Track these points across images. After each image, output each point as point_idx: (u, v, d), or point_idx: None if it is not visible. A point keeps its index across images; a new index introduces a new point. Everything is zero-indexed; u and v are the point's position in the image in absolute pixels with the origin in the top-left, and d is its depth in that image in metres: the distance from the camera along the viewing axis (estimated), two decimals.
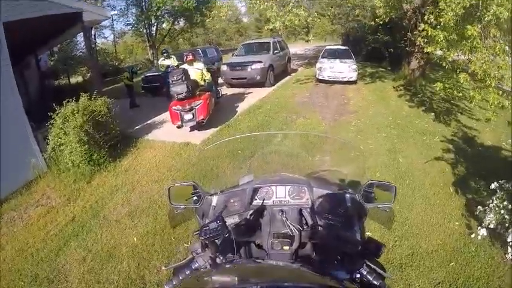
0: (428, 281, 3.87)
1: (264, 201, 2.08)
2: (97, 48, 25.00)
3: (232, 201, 2.05)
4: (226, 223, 1.67)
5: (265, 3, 14.05)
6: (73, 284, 4.08)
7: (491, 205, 4.20)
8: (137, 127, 9.69)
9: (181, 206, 2.00)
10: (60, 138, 6.89)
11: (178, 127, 8.64)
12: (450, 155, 7.15)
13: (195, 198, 2.03)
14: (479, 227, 4.21)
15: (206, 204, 2.05)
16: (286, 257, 1.67)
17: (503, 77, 6.96)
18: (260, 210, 1.99)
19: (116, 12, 25.47)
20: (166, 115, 9.51)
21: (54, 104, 6.88)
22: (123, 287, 3.93)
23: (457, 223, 4.90)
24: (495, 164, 6.36)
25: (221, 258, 1.53)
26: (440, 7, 7.59)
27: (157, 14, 25.50)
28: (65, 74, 22.98)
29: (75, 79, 23.77)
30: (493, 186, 4.31)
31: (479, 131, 8.67)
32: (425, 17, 8.81)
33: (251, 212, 1.99)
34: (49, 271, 4.32)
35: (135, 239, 4.81)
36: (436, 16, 8.14)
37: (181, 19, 28.42)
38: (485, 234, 4.11)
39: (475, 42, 6.89)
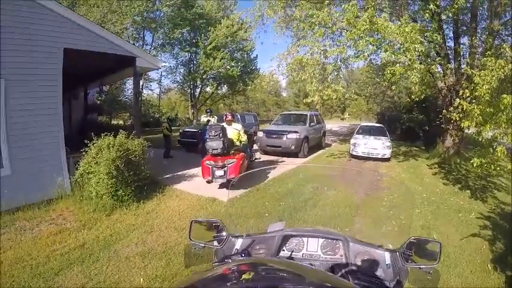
0: None
1: (293, 253, 1.93)
2: (142, 98, 26.23)
3: (257, 247, 1.90)
4: None
5: (307, 74, 14.52)
6: None
7: None
8: (167, 176, 9.79)
9: (201, 245, 1.84)
10: (91, 166, 7.09)
11: (208, 182, 8.64)
12: (487, 231, 6.78)
13: (217, 238, 1.89)
14: None
15: (229, 246, 1.89)
16: None
17: None
18: None
19: (166, 63, 26.96)
20: (197, 170, 9.58)
21: (92, 135, 7.18)
22: None
23: None
24: None
25: None
26: (475, 81, 7.62)
27: (203, 77, 26.85)
28: (107, 115, 24.05)
29: (116, 121, 24.80)
30: None
31: None
32: (460, 92, 8.77)
33: None
34: (43, 287, 4.22)
35: (142, 280, 4.61)
36: (471, 91, 8.15)
37: (225, 85, 29.70)
38: None
39: (511, 114, 6.74)
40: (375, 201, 8.70)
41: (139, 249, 5.50)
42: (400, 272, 1.73)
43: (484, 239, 6.39)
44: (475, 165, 7.54)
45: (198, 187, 8.79)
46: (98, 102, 20.80)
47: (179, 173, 10.19)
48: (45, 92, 7.10)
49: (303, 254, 1.94)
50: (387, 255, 1.82)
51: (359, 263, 1.80)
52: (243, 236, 1.97)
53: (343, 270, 1.74)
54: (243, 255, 1.47)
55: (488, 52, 8.50)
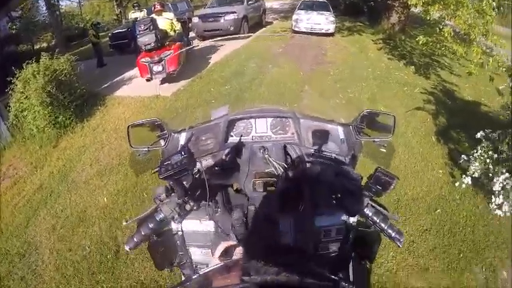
0: (415, 228, 3.92)
1: (242, 138, 1.82)
2: (61, 11, 23.88)
3: (204, 138, 1.76)
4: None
5: None
6: (44, 255, 3.94)
7: (475, 154, 4.24)
8: (105, 85, 9.26)
9: (145, 149, 1.70)
10: (22, 103, 6.67)
11: (148, 80, 8.27)
12: (431, 106, 7.12)
13: (161, 138, 1.74)
14: (463, 176, 4.26)
15: (173, 143, 1.72)
16: (271, 200, 1.46)
17: (487, 31, 6.89)
18: (237, 149, 1.72)
19: None
20: (135, 71, 9.09)
21: (14, 69, 6.57)
22: (95, 252, 3.79)
23: (440, 171, 4.95)
24: (475, 117, 6.38)
25: (191, 204, 1.30)
26: None
27: None
28: (28, 42, 21.93)
29: (40, 46, 22.79)
30: (478, 135, 4.31)
31: (459, 86, 8.66)
32: None
33: (227, 151, 1.71)
34: (19, 245, 4.17)
35: (106, 199, 4.69)
36: None
37: None
38: (469, 182, 4.18)
39: None
40: (320, 76, 8.92)
41: (95, 169, 5.53)
42: (355, 146, 1.70)
43: (428, 113, 6.75)
44: (420, 43, 7.68)
45: (139, 88, 8.43)
46: (13, 31, 18.63)
47: (117, 79, 9.65)
48: None
49: (252, 136, 1.85)
50: (340, 129, 1.75)
51: (312, 140, 1.72)
52: (185, 129, 1.81)
53: (295, 148, 1.69)
54: (183, 153, 1.27)
55: None
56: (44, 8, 25.21)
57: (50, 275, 3.66)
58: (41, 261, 3.86)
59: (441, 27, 7.26)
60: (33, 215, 4.66)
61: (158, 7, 8.82)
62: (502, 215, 3.86)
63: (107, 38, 14.66)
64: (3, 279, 3.72)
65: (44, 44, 22.40)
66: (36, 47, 21.90)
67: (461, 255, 3.63)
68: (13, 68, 6.59)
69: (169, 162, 1.25)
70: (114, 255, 3.72)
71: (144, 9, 12.75)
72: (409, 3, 8.52)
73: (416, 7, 8.81)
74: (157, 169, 1.30)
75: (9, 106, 6.75)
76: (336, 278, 1.17)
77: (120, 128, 6.60)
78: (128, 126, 1.71)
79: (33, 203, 4.92)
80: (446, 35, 7.01)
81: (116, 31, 14.59)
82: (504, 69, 5.57)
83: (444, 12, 7.27)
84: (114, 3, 27.69)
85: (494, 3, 6.94)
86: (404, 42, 12.88)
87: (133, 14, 12.42)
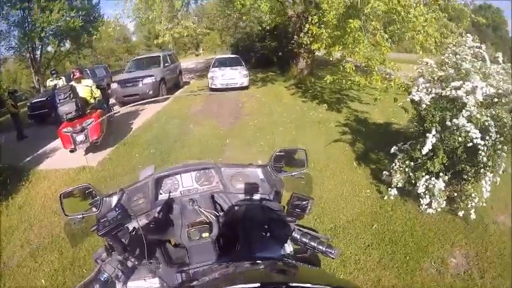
0: (357, 246, 4.13)
1: (171, 194, 1.91)
2: None
3: (135, 199, 1.82)
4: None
5: (154, 13, 14.04)
6: None
7: (395, 167, 4.74)
8: (28, 159, 8.84)
9: (79, 216, 1.70)
10: None
11: (72, 151, 8.02)
12: (347, 136, 7.76)
13: (94, 204, 1.75)
14: (389, 189, 4.73)
15: (106, 207, 1.74)
16: (208, 246, 1.53)
17: (384, 60, 7.84)
18: (168, 205, 1.81)
19: None
20: (57, 142, 8.82)
21: None
22: None
23: (368, 191, 5.37)
24: (389, 136, 7.05)
25: (133, 260, 1.35)
26: (323, 8, 8.19)
27: (41, 35, 23.84)
28: None
29: None
30: (392, 150, 4.87)
31: (369, 113, 9.56)
32: (310, 19, 9.39)
33: (158, 208, 1.79)
34: None
35: (43, 281, 4.40)
36: (320, 17, 8.78)
37: (68, 40, 26.96)
38: (396, 193, 4.65)
39: (356, 35, 7.55)
40: (240, 128, 9.22)
41: (27, 250, 5.14)
42: (276, 184, 1.84)
43: (345, 143, 7.36)
44: (328, 81, 8.46)
45: (63, 160, 8.12)
46: None
47: (40, 152, 9.27)
48: None
49: (181, 191, 1.94)
50: (259, 170, 1.90)
51: (236, 185, 1.86)
52: (116, 192, 1.87)
53: (222, 196, 1.82)
54: (117, 209, 1.36)
55: None
56: None
57: None
58: None
59: (343, 64, 8.06)
60: None
61: (77, 74, 8.68)
62: (433, 212, 4.34)
63: (26, 108, 13.96)
64: None
65: None
66: None
67: (407, 257, 3.91)
68: None
69: (105, 219, 1.30)
70: None
71: (62, 77, 12.22)
72: (313, 48, 9.36)
73: (319, 50, 9.71)
74: (94, 227, 1.33)
75: None
76: None
77: (47, 204, 6.29)
78: (60, 195, 1.71)
79: None
80: (349, 70, 7.85)
81: (35, 100, 13.94)
82: (403, 88, 6.34)
83: (344, 51, 8.07)
84: (31, 70, 26.84)
85: (386, 35, 7.96)
86: (314, 84, 13.93)
87: (51, 82, 12.06)
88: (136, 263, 1.35)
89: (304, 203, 1.44)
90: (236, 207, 1.74)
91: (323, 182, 5.77)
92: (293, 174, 1.83)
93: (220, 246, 1.61)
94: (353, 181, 5.76)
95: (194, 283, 1.16)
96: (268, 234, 1.51)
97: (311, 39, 9.43)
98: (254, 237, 1.56)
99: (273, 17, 14.29)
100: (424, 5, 7.92)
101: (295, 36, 13.02)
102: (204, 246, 1.53)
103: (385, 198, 4.94)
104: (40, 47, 25.92)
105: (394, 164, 4.85)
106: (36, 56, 25.99)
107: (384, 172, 5.16)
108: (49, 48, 27.00)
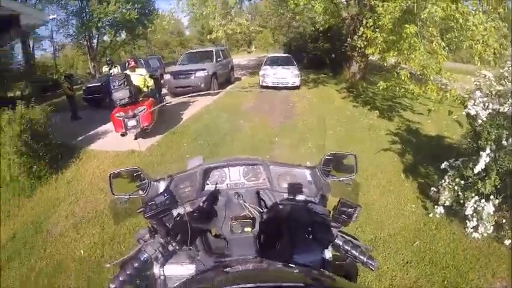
0: (396, 262, 3.97)
1: (217, 186, 1.93)
2: (36, 60, 23.84)
3: (182, 186, 1.85)
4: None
5: (208, 9, 14.07)
6: None
7: (444, 184, 4.49)
8: (80, 138, 9.21)
9: (126, 197, 1.74)
10: None
11: (122, 135, 8.30)
12: (397, 146, 7.46)
13: (141, 187, 1.79)
14: (436, 206, 4.48)
15: (153, 191, 1.78)
16: (249, 241, 1.52)
17: (440, 69, 7.47)
18: (214, 196, 1.82)
19: (55, 16, 24.44)
20: (110, 125, 9.08)
21: None
22: None
23: (413, 206, 5.13)
24: (440, 150, 6.69)
25: (174, 245, 1.36)
26: (378, 11, 7.98)
27: (98, 25, 24.79)
28: (1, 89, 21.68)
29: (13, 93, 22.49)
30: (443, 166, 4.60)
31: (421, 123, 9.16)
32: (364, 22, 9.19)
33: (204, 198, 1.81)
34: None
35: (82, 251, 4.56)
36: (375, 20, 8.55)
37: (123, 31, 27.85)
38: (442, 211, 4.40)
39: (412, 41, 7.30)
40: (290, 127, 9.13)
41: (70, 221, 5.36)
42: (323, 187, 1.80)
43: (394, 152, 7.09)
44: (381, 88, 8.18)
45: (113, 142, 8.43)
46: None
47: (92, 133, 9.62)
48: None
49: (227, 184, 1.95)
50: (307, 172, 1.86)
51: (282, 184, 1.84)
52: (164, 178, 1.90)
53: (267, 193, 1.82)
54: (165, 194, 1.39)
55: None
56: (19, 56, 25.27)
57: None
58: None
59: (398, 71, 7.76)
60: (6, 266, 4.48)
61: (132, 63, 9.06)
62: (479, 237, 4.05)
63: (81, 91, 14.59)
64: None
65: (18, 93, 22.19)
66: (10, 94, 21.66)
67: (445, 281, 3.71)
68: None
69: (153, 202, 1.33)
70: None
71: (117, 65, 12.83)
72: (367, 52, 9.14)
73: (373, 55, 9.43)
74: (142, 209, 1.36)
75: None
76: None
77: (94, 182, 6.54)
78: (110, 175, 1.77)
79: (6, 253, 4.75)
80: (403, 77, 7.52)
81: (90, 85, 14.60)
82: (459, 101, 5.94)
83: (399, 57, 7.80)
84: (87, 57, 27.97)
85: (443, 43, 7.58)
86: (366, 89, 13.56)
87: (106, 69, 12.58)
88: (177, 247, 1.37)
89: (351, 209, 1.38)
90: (280, 206, 1.73)
91: (368, 190, 5.62)
92: (341, 179, 1.77)
93: (261, 242, 1.61)
94: (399, 193, 5.55)
95: (227, 269, 1.15)
96: (311, 237, 1.49)
97: (365, 42, 9.22)
98: (296, 238, 1.55)
99: (326, 18, 14.04)
100: (483, 13, 7.50)
101: (348, 39, 12.76)
102: (245, 241, 1.53)
103: (431, 215, 4.71)
104: (97, 36, 27.19)
105: (443, 181, 4.60)
106: (93, 44, 27.18)
107: (432, 188, 4.89)
108: (105, 38, 28.20)
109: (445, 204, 4.43)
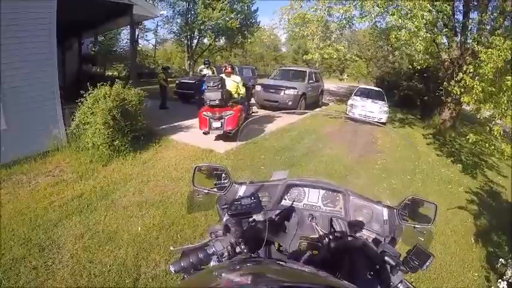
0: None
1: (294, 203, 1.94)
2: (138, 48, 25.62)
3: (260, 195, 1.80)
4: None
5: (309, 30, 14.16)
6: (64, 256, 3.97)
7: None
8: (163, 126, 9.71)
9: (205, 191, 1.82)
10: (87, 117, 7.01)
11: (205, 133, 8.61)
12: (474, 206, 6.98)
13: (220, 185, 1.88)
14: (499, 280, 4.17)
15: (231, 193, 1.87)
16: (311, 264, 1.48)
17: None
18: (289, 212, 1.86)
19: (164, 12, 26.13)
20: (193, 121, 9.61)
21: (88, 85, 7.04)
22: (115, 272, 3.78)
23: (476, 274, 4.78)
24: None
25: (242, 247, 1.36)
26: (481, 58, 7.53)
27: (201, 28, 26.06)
28: (102, 66, 23.60)
29: (111, 72, 24.40)
30: None
31: (505, 187, 8.48)
32: (464, 68, 8.78)
33: (278, 211, 1.86)
34: (43, 239, 4.24)
35: (139, 228, 4.72)
36: (475, 67, 8.12)
37: (223, 37, 28.99)
38: (505, 287, 4.06)
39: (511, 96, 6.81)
40: (368, 163, 8.80)
41: (136, 198, 5.55)
42: (396, 229, 1.76)
43: (470, 213, 6.61)
44: (470, 141, 7.73)
45: (194, 138, 8.76)
46: (92, 52, 20.29)
47: (175, 124, 10.10)
48: (38, 42, 6.74)
49: (304, 204, 1.95)
50: (385, 211, 1.83)
51: (357, 217, 1.83)
52: (246, 183, 1.96)
53: (340, 222, 1.78)
54: (253, 198, 1.41)
55: (498, 31, 8.33)
56: (123, 42, 27.40)
57: (62, 276, 3.64)
58: (58, 261, 3.87)
59: (491, 125, 7.25)
60: (66, 217, 4.76)
61: (229, 69, 9.38)
62: None
63: (173, 85, 15.42)
64: (15, 262, 3.74)
65: (115, 73, 24.09)
66: (108, 73, 23.54)
67: None
68: (88, 84, 7.04)
69: (239, 202, 1.39)
70: (132, 282, 3.66)
71: (213, 67, 13.46)
72: (462, 100, 8.55)
73: (468, 105, 8.85)
74: (226, 206, 1.44)
75: (74, 115, 7.17)
76: None
77: (168, 169, 6.81)
78: (195, 167, 1.87)
79: (68, 207, 5.03)
80: (495, 133, 6.99)
81: (184, 80, 15.40)
82: None
83: (495, 111, 7.23)
84: (185, 55, 29.46)
85: None
86: (454, 139, 12.88)
87: (202, 70, 13.14)
88: (245, 251, 1.35)
89: (424, 257, 1.35)
90: (350, 238, 1.71)
91: (433, 246, 5.22)
92: (416, 226, 1.72)
93: (322, 268, 1.46)
94: (464, 258, 5.17)
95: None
96: (372, 274, 1.46)
97: (462, 90, 8.69)
98: (358, 272, 1.51)
99: (425, 58, 13.42)
100: None
101: (444, 83, 12.02)
102: (307, 262, 1.51)
103: None
104: (197, 37, 28.52)
105: None
106: (192, 44, 28.66)
107: (500, 260, 4.52)
108: (205, 40, 29.51)
109: (510, 280, 4.11)
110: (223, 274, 1.01)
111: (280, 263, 1.12)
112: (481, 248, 5.42)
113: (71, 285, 3.53)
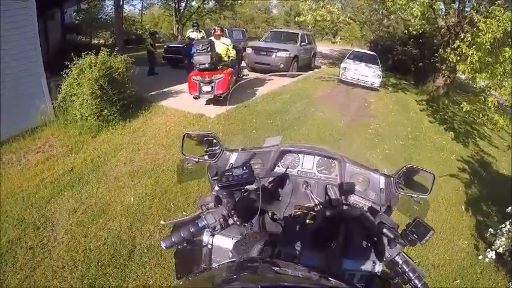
0: None
1: (288, 170, 1.90)
2: (124, 14, 24.93)
3: (252, 162, 1.79)
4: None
5: None
6: (59, 234, 3.96)
7: (503, 229, 4.21)
8: (152, 93, 9.51)
9: (195, 159, 1.75)
10: (73, 88, 6.83)
11: (195, 98, 8.43)
12: (465, 175, 7.06)
13: (211, 152, 1.81)
14: (488, 250, 4.24)
15: (223, 161, 1.80)
16: (306, 233, 1.52)
17: None
18: (282, 179, 1.81)
19: None
20: (183, 86, 9.37)
21: (73, 55, 6.80)
22: (110, 245, 3.79)
23: (465, 242, 4.88)
24: (509, 192, 6.20)
25: (235, 219, 1.32)
26: (480, 27, 7.42)
27: None
28: (87, 35, 22.96)
29: (97, 41, 23.78)
30: (509, 209, 4.31)
31: (496, 158, 8.57)
32: (462, 35, 8.72)
33: (272, 179, 1.81)
34: (37, 217, 4.22)
35: (132, 199, 4.69)
36: (473, 36, 8.10)
37: None
38: (493, 257, 4.13)
39: (508, 68, 6.77)
40: (360, 128, 8.90)
41: (127, 168, 5.53)
42: (391, 199, 1.73)
43: (461, 181, 6.71)
44: (464, 109, 7.80)
45: (184, 103, 8.61)
46: (76, 21, 19.53)
47: (165, 90, 9.89)
48: (18, 15, 6.39)
49: (298, 171, 1.92)
50: (382, 179, 1.80)
51: (353, 184, 1.79)
52: (238, 150, 1.90)
53: (336, 190, 1.75)
54: (245, 168, 1.33)
55: (498, 1, 8.13)
56: (108, 8, 26.57)
57: (59, 253, 3.65)
58: (53, 238, 3.88)
59: (486, 95, 7.26)
60: (58, 193, 4.71)
61: (218, 31, 9.11)
62: None
63: (161, 50, 15.01)
64: (11, 244, 3.74)
65: (102, 41, 23.47)
66: (94, 41, 22.91)
67: None
68: (72, 54, 6.80)
69: (230, 173, 1.31)
70: (127, 254, 3.69)
71: (203, 30, 13.10)
72: (457, 68, 8.64)
73: (464, 73, 8.88)
74: (216, 177, 1.43)
75: (60, 88, 6.95)
76: None
77: (159, 136, 6.74)
78: (184, 135, 1.80)
79: (60, 183, 4.97)
80: (490, 104, 7.00)
81: (172, 45, 15.05)
82: None
83: (491, 81, 7.25)
84: (173, 19, 28.67)
85: None
86: (447, 107, 12.95)
87: (191, 33, 12.74)
88: (238, 222, 1.33)
89: (423, 231, 1.29)
90: (346, 207, 1.68)
91: None
92: (413, 196, 1.68)
93: (318, 237, 1.57)
94: (454, 225, 5.29)
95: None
96: (371, 245, 1.45)
97: (458, 58, 8.75)
98: (354, 242, 1.52)
99: (421, 23, 13.16)
100: None
101: (440, 50, 11.85)
102: (302, 232, 1.54)
103: (480, 257, 4.45)
104: (185, 0, 27.38)
105: (503, 226, 4.31)
106: (180, 7, 27.66)
107: (490, 229, 4.58)
108: (193, 3, 28.54)
109: (498, 251, 4.18)
110: (221, 278, 0.99)
111: (275, 268, 1.02)
112: (471, 217, 5.52)
113: (67, 262, 3.55)
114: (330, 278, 0.98)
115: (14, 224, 4.06)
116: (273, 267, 1.05)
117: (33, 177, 5.10)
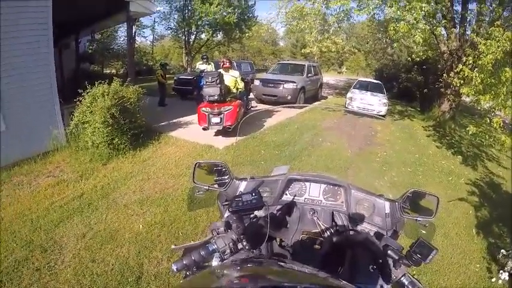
0: None
1: (295, 198, 1.94)
2: (135, 45, 25.57)
3: (261, 190, 1.80)
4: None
5: (306, 23, 14.07)
6: (66, 257, 3.95)
7: None
8: (162, 123, 9.68)
9: (205, 187, 1.82)
10: (86, 116, 6.99)
11: (204, 129, 8.60)
12: (474, 198, 6.97)
13: (220, 181, 1.87)
14: (500, 271, 4.18)
15: (232, 189, 1.87)
16: (314, 258, 1.52)
17: None
18: (290, 207, 1.85)
19: (161, 8, 26.01)
20: (192, 117, 9.58)
21: (86, 84, 6.99)
22: (118, 271, 3.77)
23: (477, 265, 4.77)
24: None
25: (244, 244, 1.34)
26: (480, 49, 7.54)
27: (198, 23, 25.90)
28: (99, 64, 23.52)
29: (109, 70, 24.38)
30: None
31: (505, 179, 8.48)
32: (464, 59, 8.85)
33: (279, 206, 1.85)
34: (45, 240, 4.24)
35: (141, 226, 4.70)
36: (475, 58, 8.11)
37: (221, 32, 28.83)
38: (506, 278, 4.07)
39: (510, 87, 6.77)
40: (368, 156, 8.90)
41: (137, 196, 5.54)
42: (397, 223, 1.77)
43: (470, 204, 6.60)
44: (470, 132, 7.66)
45: (193, 134, 8.75)
46: (90, 51, 20.06)
47: (174, 121, 10.08)
48: (35, 42, 6.69)
49: (305, 198, 1.95)
50: (387, 204, 1.84)
51: (359, 210, 1.84)
52: (247, 178, 1.96)
53: (342, 216, 1.78)
54: (254, 194, 1.41)
55: (497, 22, 8.30)
56: (121, 39, 27.25)
57: (65, 277, 3.62)
58: (60, 262, 3.86)
59: (491, 117, 7.23)
60: (67, 218, 4.75)
61: (227, 64, 9.31)
62: None
63: (172, 81, 15.37)
64: (18, 264, 3.73)
65: (113, 71, 24.05)
66: (106, 71, 23.47)
67: None
68: (86, 83, 6.99)
69: (240, 199, 1.39)
70: (135, 280, 3.65)
71: (212, 63, 13.38)
72: (461, 91, 8.64)
73: (468, 96, 8.86)
74: (227, 202, 1.46)
75: (73, 115, 7.11)
76: None
77: (168, 166, 6.79)
78: (195, 164, 1.87)
79: (69, 207, 5.01)
80: (495, 125, 6.96)
81: (182, 77, 15.43)
82: None
83: (494, 102, 7.22)
84: (183, 51, 29.29)
85: None
86: (454, 131, 12.89)
87: (201, 66, 13.00)
88: (247, 247, 1.34)
89: (427, 250, 1.33)
90: (352, 232, 1.68)
91: (434, 238, 5.19)
92: (418, 219, 1.73)
93: (325, 262, 1.57)
94: (466, 249, 5.17)
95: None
96: (375, 268, 1.46)
97: (461, 81, 8.78)
98: (361, 267, 1.53)
99: (424, 50, 13.37)
100: None
101: (444, 75, 12.00)
102: (310, 257, 1.53)
103: (493, 280, 4.33)
104: (195, 33, 28.19)
105: None
106: (190, 40, 28.37)
107: (502, 251, 4.57)
108: (203, 36, 29.20)
109: (511, 272, 4.13)
110: (224, 274, 1.02)
111: (281, 263, 1.10)
112: (482, 240, 5.42)
113: (74, 286, 3.51)
114: (326, 275, 1.04)
115: (21, 244, 4.08)
116: (275, 266, 1.11)
117: (43, 200, 5.16)
